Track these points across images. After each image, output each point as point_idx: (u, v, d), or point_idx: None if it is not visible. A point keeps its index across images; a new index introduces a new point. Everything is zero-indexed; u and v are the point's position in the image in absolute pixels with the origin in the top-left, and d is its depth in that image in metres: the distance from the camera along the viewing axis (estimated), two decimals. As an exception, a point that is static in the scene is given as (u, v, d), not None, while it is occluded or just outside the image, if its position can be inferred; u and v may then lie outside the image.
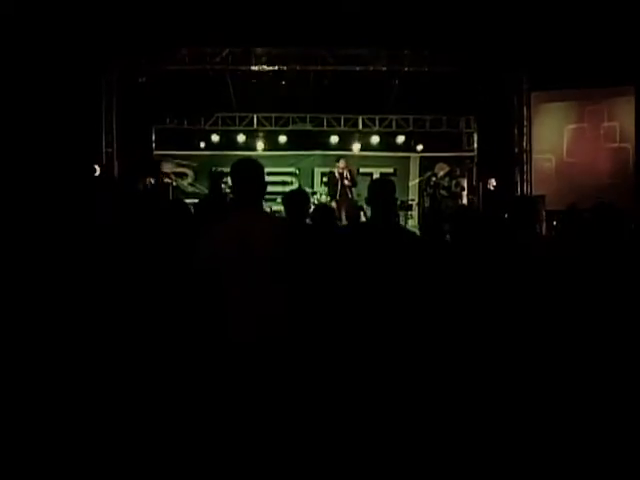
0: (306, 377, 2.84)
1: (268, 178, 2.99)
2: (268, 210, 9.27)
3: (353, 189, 10.77)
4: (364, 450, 2.91)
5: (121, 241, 3.96)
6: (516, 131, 11.08)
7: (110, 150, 10.66)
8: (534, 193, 10.50)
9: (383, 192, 3.30)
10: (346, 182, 10.67)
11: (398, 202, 10.76)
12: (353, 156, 12.59)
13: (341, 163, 10.79)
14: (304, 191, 4.86)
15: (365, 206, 9.44)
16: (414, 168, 13.12)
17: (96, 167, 10.20)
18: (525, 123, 10.99)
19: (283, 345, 2.69)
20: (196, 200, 6.33)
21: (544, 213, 9.08)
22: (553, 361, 3.29)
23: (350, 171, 10.79)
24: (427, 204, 12.12)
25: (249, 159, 2.96)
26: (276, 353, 2.67)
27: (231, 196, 3.09)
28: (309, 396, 2.86)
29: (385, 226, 3.27)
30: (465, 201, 12.26)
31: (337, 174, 10.74)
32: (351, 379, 3.01)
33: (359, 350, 3.04)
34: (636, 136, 10.03)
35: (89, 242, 4.09)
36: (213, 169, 11.24)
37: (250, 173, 2.85)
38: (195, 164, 12.68)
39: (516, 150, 11.10)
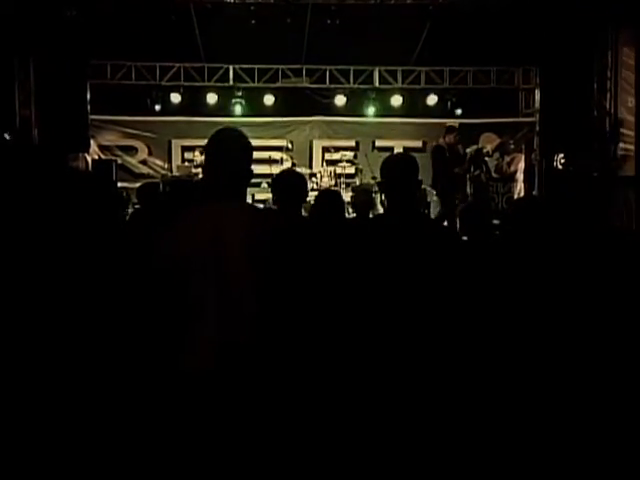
0: (298, 413, 2.94)
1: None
2: (250, 200, 9.62)
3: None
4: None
5: (46, 237, 4.19)
6: (595, 86, 11.05)
7: (27, 112, 10.68)
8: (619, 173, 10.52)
9: (401, 172, 3.39)
10: None
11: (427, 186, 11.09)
12: (366, 123, 12.73)
13: (448, 137, 10.30)
14: (299, 173, 5.01)
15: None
16: (451, 140, 13.12)
17: (6, 135, 10.11)
18: (609, 74, 10.81)
19: (252, 374, 2.78)
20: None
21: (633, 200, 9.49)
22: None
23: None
24: (470, 190, 11.73)
25: (233, 129, 3.09)
26: (242, 384, 2.77)
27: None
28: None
29: (407, 219, 3.36)
30: (521, 186, 12.46)
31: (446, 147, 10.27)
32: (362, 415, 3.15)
33: (373, 382, 3.15)
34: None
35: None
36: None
37: (234, 150, 2.91)
38: (148, 134, 12.73)
39: (595, 113, 11.05)
